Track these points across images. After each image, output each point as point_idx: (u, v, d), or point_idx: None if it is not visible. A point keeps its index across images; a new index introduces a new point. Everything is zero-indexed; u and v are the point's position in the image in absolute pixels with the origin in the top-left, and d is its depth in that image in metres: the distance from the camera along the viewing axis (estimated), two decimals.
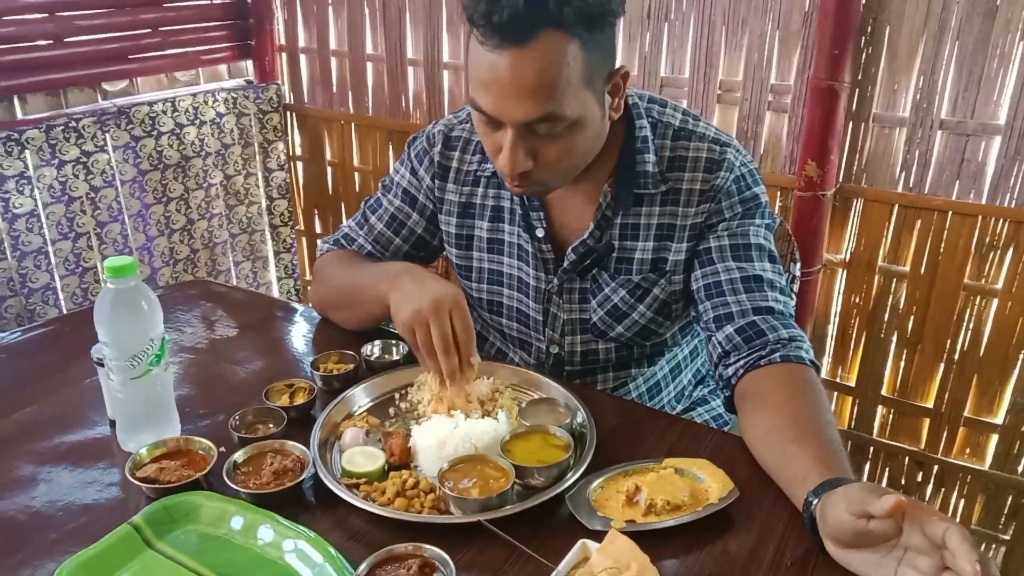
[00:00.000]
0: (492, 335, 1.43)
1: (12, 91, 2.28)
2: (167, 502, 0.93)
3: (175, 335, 1.37)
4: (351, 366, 1.21)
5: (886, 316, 2.10)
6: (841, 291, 2.16)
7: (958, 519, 2.07)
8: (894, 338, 2.11)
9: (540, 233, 1.24)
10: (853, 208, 2.07)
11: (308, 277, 3.11)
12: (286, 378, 1.19)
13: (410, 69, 2.64)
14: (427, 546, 0.84)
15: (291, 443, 1.02)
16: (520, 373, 1.21)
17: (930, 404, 2.10)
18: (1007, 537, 2.11)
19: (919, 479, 2.18)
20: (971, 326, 2.00)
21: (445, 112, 2.58)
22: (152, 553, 0.88)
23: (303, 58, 2.86)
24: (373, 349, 1.27)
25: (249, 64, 2.91)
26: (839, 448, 0.94)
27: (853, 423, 2.24)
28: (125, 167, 2.44)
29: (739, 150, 1.20)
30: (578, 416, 1.08)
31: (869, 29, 1.92)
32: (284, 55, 2.89)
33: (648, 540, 0.85)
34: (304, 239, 3.12)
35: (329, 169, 2.95)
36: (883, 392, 2.17)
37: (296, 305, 1.56)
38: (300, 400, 1.14)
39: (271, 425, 1.08)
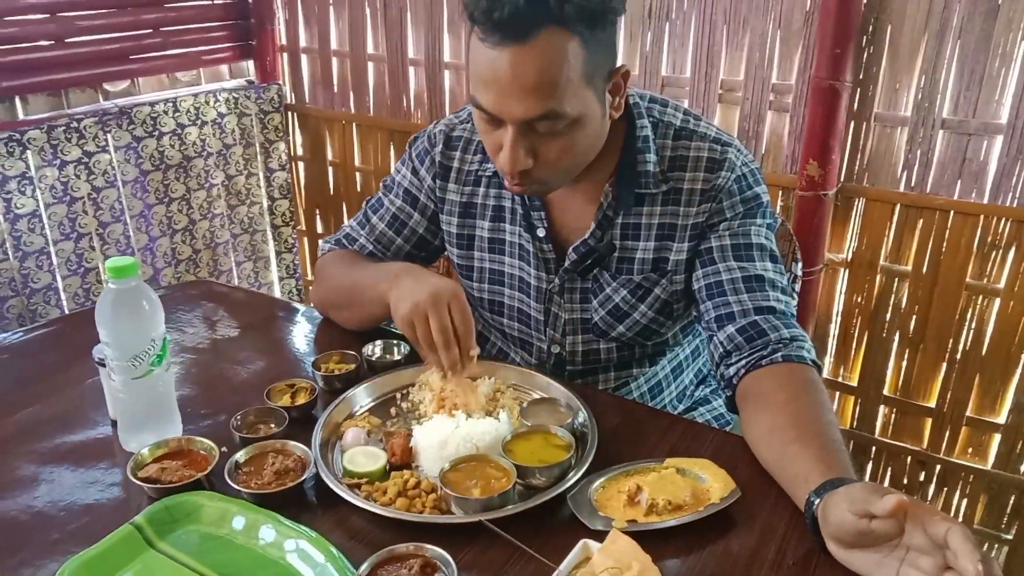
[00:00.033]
0: (493, 335, 1.43)
1: (14, 91, 2.28)
2: (169, 502, 0.93)
3: (176, 335, 1.38)
4: (352, 366, 1.21)
5: (888, 316, 2.10)
6: (843, 291, 2.15)
7: (960, 519, 2.07)
8: (896, 338, 2.10)
9: (541, 233, 1.24)
10: (855, 208, 2.07)
11: (309, 277, 3.12)
12: (287, 378, 1.19)
13: (411, 69, 2.64)
14: (428, 546, 0.84)
15: (292, 443, 1.02)
16: (521, 373, 1.21)
17: (932, 404, 2.10)
18: (1009, 537, 2.11)
19: (921, 479, 2.18)
20: (973, 326, 2.00)
21: (446, 112, 2.58)
22: (154, 553, 0.88)
23: (304, 58, 2.87)
24: (374, 349, 1.27)
25: (250, 64, 2.91)
26: (841, 448, 0.93)
27: (855, 423, 2.24)
28: (127, 167, 2.44)
29: (740, 150, 1.20)
30: (579, 416, 1.08)
31: (871, 28, 1.92)
32: (285, 55, 2.89)
33: (650, 540, 0.85)
34: (305, 239, 3.13)
35: (330, 169, 2.95)
36: (885, 392, 2.16)
37: (297, 305, 1.56)
38: (301, 400, 1.14)
39: (272, 425, 1.08)
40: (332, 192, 2.98)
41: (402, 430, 1.07)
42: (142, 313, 1.01)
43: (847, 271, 2.13)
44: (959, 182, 1.92)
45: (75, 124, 2.29)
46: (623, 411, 1.16)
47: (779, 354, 1.07)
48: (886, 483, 2.23)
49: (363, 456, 1.01)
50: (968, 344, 2.01)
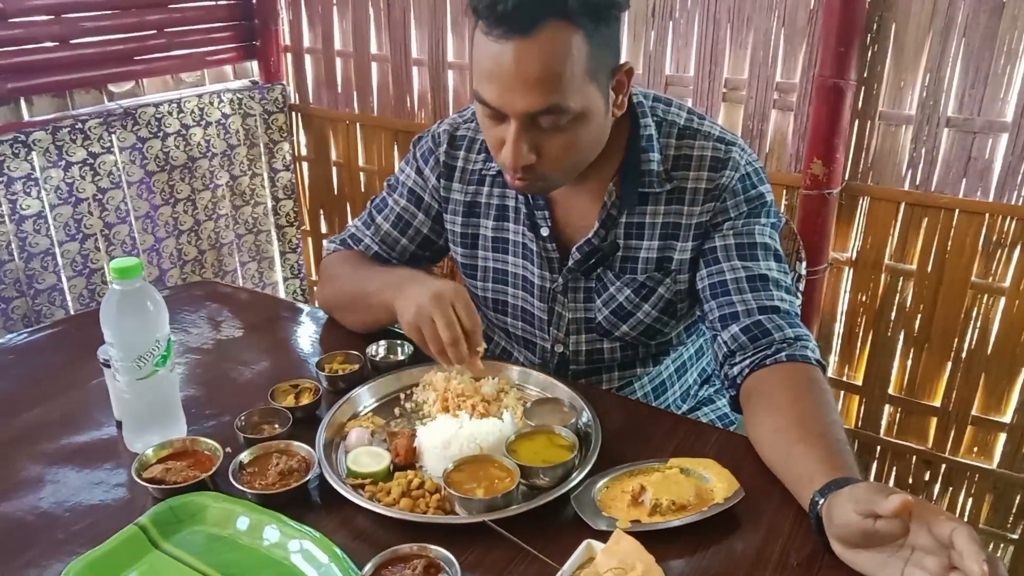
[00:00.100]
0: (497, 334, 1.43)
1: (18, 93, 2.29)
2: (173, 503, 0.93)
3: (181, 336, 1.38)
4: (356, 366, 1.21)
5: (893, 315, 2.09)
6: (847, 290, 2.15)
7: (966, 518, 2.06)
8: (901, 337, 2.10)
9: (545, 232, 1.24)
10: (859, 206, 2.06)
11: (314, 277, 3.12)
12: (291, 378, 1.19)
13: (415, 69, 2.64)
14: (432, 546, 0.84)
15: (297, 443, 1.02)
16: (525, 373, 1.21)
17: (937, 403, 2.09)
18: (1015, 537, 2.10)
19: (926, 478, 2.17)
20: (978, 324, 1.99)
21: (450, 112, 2.58)
22: (158, 554, 0.89)
23: (308, 58, 2.87)
24: (378, 349, 1.27)
25: (254, 65, 2.92)
26: (845, 448, 0.93)
27: (860, 422, 2.23)
28: (132, 168, 2.45)
29: (744, 149, 1.20)
30: (583, 416, 1.08)
31: (875, 26, 1.91)
32: (289, 56, 2.90)
33: (653, 540, 0.85)
34: (310, 239, 3.13)
35: (334, 169, 2.95)
36: (890, 391, 2.16)
37: (301, 305, 1.57)
38: (305, 400, 1.14)
39: (276, 425, 1.09)
40: (336, 192, 2.98)
41: (406, 430, 1.07)
42: (146, 314, 1.01)
43: (851, 270, 2.12)
44: (964, 180, 1.91)
45: (80, 125, 2.29)
46: (627, 411, 1.16)
47: (783, 354, 1.06)
48: (891, 483, 2.23)
49: (367, 456, 1.01)
50: (973, 343, 2.00)
